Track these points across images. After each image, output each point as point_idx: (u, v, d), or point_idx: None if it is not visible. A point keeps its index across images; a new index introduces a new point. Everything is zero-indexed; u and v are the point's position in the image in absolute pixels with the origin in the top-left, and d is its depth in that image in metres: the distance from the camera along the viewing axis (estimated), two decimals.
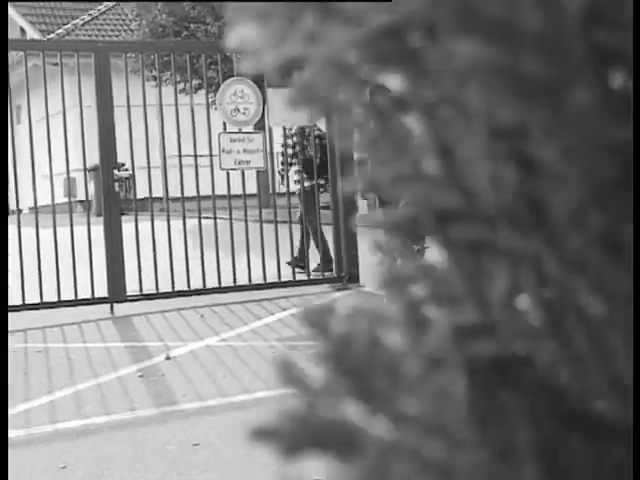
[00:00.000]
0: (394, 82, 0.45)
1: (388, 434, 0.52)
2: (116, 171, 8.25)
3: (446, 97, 0.44)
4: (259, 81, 8.76)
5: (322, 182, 9.25)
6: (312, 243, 9.17)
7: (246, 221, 8.88)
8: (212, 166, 8.75)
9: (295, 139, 9.25)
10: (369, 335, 0.53)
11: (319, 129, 9.10)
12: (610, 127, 0.42)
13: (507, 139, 0.45)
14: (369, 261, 9.56)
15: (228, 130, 8.70)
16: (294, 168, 9.29)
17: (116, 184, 8.23)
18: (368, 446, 0.52)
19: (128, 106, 8.18)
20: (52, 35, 22.22)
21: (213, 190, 8.75)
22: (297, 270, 8.88)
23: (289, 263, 8.90)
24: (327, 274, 8.87)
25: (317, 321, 0.55)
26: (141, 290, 8.18)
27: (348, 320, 0.54)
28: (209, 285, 8.47)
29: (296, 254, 9.11)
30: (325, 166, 8.93)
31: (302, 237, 9.21)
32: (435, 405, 0.51)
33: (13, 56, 11.64)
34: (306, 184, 9.16)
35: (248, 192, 8.78)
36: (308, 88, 0.46)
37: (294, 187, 9.35)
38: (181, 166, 8.49)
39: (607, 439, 0.49)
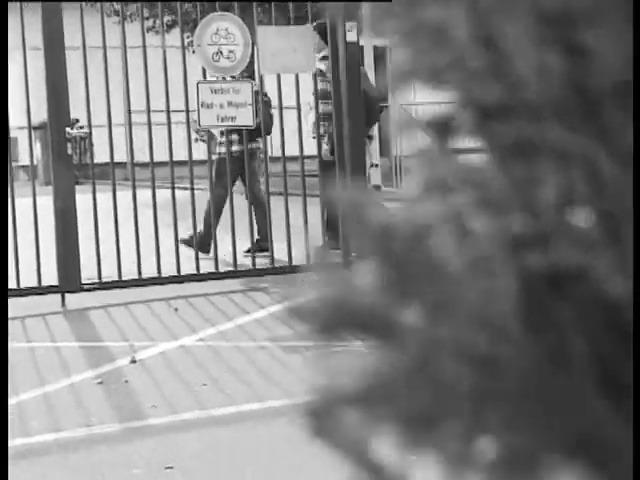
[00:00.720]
0: None
1: (429, 326, 0.60)
2: (69, 129, 8.24)
3: None
4: (247, 17, 8.73)
5: (256, 146, 9.27)
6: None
7: (231, 193, 8.88)
8: (188, 124, 8.73)
9: None
10: (411, 229, 0.59)
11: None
12: None
13: (554, 24, 0.48)
14: None
15: (209, 79, 8.68)
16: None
17: (69, 145, 8.22)
18: (408, 336, 0.60)
19: (84, 48, 8.16)
20: None
21: (190, 154, 8.73)
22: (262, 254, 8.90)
23: (248, 251, 8.87)
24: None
25: (355, 210, 0.60)
26: (100, 277, 8.20)
27: (388, 214, 0.60)
28: (184, 271, 8.48)
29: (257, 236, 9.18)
30: (260, 128, 8.89)
31: (258, 214, 9.22)
32: (482, 301, 0.58)
33: None
34: (235, 148, 9.13)
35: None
36: None
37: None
38: (150, 124, 8.47)
39: None
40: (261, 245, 9.12)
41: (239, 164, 9.01)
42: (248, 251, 8.99)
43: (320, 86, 9.22)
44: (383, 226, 0.61)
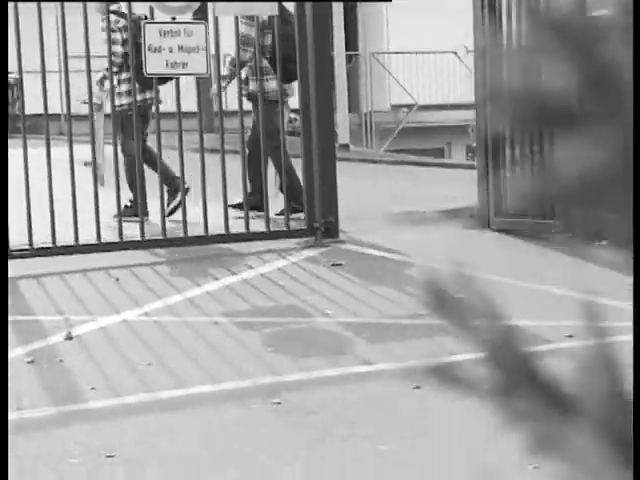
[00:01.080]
0: None
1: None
2: None
3: None
4: None
5: (143, 97, 9.27)
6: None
7: (181, 150, 8.84)
8: (134, 71, 8.66)
9: (125, 35, 9.14)
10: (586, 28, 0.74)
11: None
12: None
13: None
14: (353, 207, 9.58)
15: (156, 19, 8.61)
16: (123, 75, 9.18)
17: None
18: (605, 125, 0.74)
19: None
20: None
21: (135, 106, 8.67)
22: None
23: (118, 216, 8.65)
24: (295, 225, 8.87)
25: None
26: (31, 243, 8.15)
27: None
28: (127, 237, 8.45)
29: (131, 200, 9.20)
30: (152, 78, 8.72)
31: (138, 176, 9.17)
32: None
33: None
34: (138, 97, 9.05)
35: (184, 109, 8.73)
36: None
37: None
38: (90, 71, 8.39)
39: None
40: (126, 212, 9.00)
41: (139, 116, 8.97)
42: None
43: (242, 29, 9.13)
44: (562, 19, 0.74)
